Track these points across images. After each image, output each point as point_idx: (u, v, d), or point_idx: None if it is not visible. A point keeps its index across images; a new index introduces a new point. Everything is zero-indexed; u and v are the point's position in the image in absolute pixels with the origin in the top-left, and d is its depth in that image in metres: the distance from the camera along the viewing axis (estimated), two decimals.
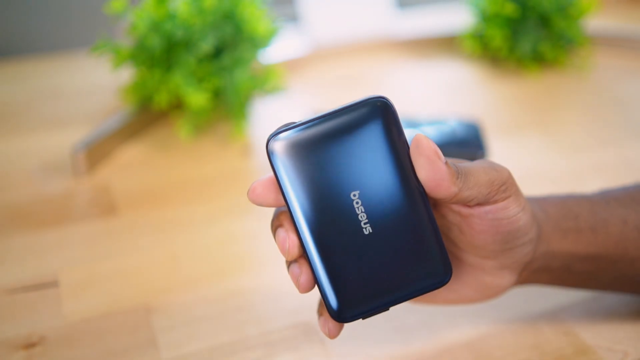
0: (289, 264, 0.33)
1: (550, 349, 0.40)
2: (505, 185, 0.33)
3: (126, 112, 0.65)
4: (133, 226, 0.53)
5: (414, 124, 0.61)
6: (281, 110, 0.72)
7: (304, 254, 0.32)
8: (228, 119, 0.67)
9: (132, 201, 0.56)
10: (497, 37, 0.80)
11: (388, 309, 0.33)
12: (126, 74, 0.71)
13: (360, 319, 0.33)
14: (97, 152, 0.60)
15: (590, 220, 0.38)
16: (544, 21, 0.81)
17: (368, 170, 0.31)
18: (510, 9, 0.78)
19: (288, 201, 0.31)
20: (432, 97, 0.77)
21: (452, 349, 0.40)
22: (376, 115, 0.31)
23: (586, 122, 0.70)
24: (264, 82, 0.65)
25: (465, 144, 0.59)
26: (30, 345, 0.41)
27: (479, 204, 0.33)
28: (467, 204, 0.33)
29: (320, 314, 0.34)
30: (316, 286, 0.33)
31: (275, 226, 0.33)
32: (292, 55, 0.82)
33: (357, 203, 0.31)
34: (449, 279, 0.33)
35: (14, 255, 0.49)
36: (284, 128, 0.31)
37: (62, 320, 0.43)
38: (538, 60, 0.84)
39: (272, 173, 0.32)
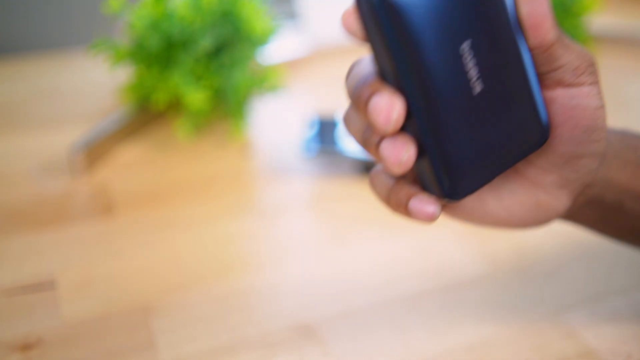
0: (380, 139, 0.29)
1: (552, 350, 0.40)
2: (593, 67, 0.31)
3: (124, 111, 0.65)
4: (131, 226, 0.52)
5: None
6: (280, 110, 0.72)
7: (404, 124, 0.29)
8: (227, 118, 0.67)
9: (131, 201, 0.55)
10: None
11: (494, 178, 0.31)
12: (124, 73, 0.71)
13: (470, 195, 0.30)
14: (95, 151, 0.60)
15: None
16: None
17: (481, 20, 0.28)
18: None
19: (396, 59, 0.27)
20: None
21: (453, 350, 0.40)
22: None
23: None
24: (263, 81, 0.65)
25: None
26: (27, 347, 0.41)
27: (565, 85, 0.31)
28: (556, 68, 0.31)
29: (410, 194, 0.31)
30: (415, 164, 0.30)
31: (369, 95, 0.28)
32: (292, 54, 0.82)
33: (468, 56, 0.28)
34: (547, 139, 0.32)
35: (11, 255, 0.49)
36: None
37: (60, 321, 0.42)
38: None
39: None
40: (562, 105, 0.32)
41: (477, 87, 0.29)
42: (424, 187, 0.30)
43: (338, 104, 0.72)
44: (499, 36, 0.29)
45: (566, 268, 0.47)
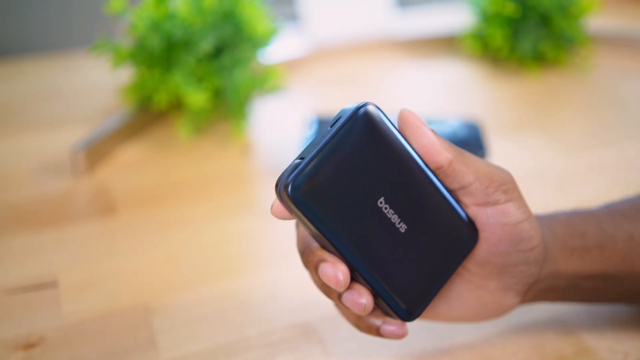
0: (341, 295, 0.33)
1: (551, 349, 0.40)
2: (506, 186, 0.33)
3: (126, 112, 0.65)
4: (132, 226, 0.52)
5: None
6: (281, 110, 0.72)
7: (354, 277, 0.33)
8: (228, 118, 0.67)
9: (132, 201, 0.56)
10: (498, 37, 0.80)
11: (440, 288, 0.35)
12: (126, 74, 0.71)
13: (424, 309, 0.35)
14: (96, 152, 0.60)
15: (596, 238, 0.37)
16: (545, 21, 0.81)
17: (382, 174, 0.32)
18: (510, 8, 0.78)
19: (326, 235, 0.31)
20: (433, 97, 0.76)
21: (453, 350, 0.40)
22: (366, 122, 0.31)
23: (587, 121, 0.70)
24: (263, 81, 0.65)
25: (466, 144, 0.59)
26: (29, 346, 0.41)
27: (480, 204, 0.33)
28: (462, 188, 0.33)
29: (383, 322, 0.35)
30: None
31: (316, 263, 0.32)
32: (292, 55, 0.82)
33: (386, 208, 0.32)
34: (477, 239, 0.34)
35: (13, 255, 0.49)
36: (290, 171, 0.31)
37: (61, 321, 0.43)
38: (539, 60, 0.84)
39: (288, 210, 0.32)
40: (482, 222, 0.34)
41: (403, 227, 0.33)
42: (386, 314, 0.35)
43: (338, 104, 0.72)
44: (408, 177, 0.32)
45: None
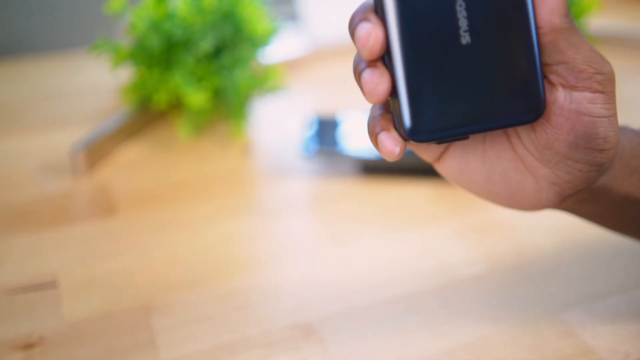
0: (364, 68, 0.29)
1: (550, 349, 0.40)
2: (601, 77, 0.30)
3: (125, 112, 0.65)
4: (132, 226, 0.52)
5: None
6: (281, 110, 0.72)
7: (383, 57, 0.29)
8: (228, 118, 0.67)
9: (132, 201, 0.56)
10: None
11: (467, 137, 0.30)
12: (125, 74, 0.71)
13: (434, 143, 0.30)
14: (96, 152, 0.60)
15: None
16: None
17: None
18: None
19: None
20: None
21: (452, 350, 0.40)
22: None
23: None
24: (263, 81, 0.65)
25: None
26: (29, 346, 0.41)
27: (566, 86, 0.30)
28: (556, 62, 0.30)
29: (384, 128, 0.31)
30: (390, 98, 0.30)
31: (358, 20, 0.29)
32: (292, 54, 0.82)
33: (460, 6, 0.28)
34: (540, 116, 0.30)
35: (13, 255, 0.49)
36: None
37: (62, 321, 0.43)
38: None
39: None
40: (560, 105, 0.30)
41: (466, 38, 0.28)
42: (395, 125, 0.31)
43: (338, 104, 0.72)
44: (508, 4, 0.28)
45: (565, 267, 0.47)
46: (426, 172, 0.58)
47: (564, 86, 0.30)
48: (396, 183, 0.58)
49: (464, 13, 0.28)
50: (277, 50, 0.77)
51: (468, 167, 0.35)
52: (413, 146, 0.34)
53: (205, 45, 0.61)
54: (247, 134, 0.66)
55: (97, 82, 0.77)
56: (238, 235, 0.51)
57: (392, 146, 0.31)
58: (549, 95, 0.31)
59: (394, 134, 0.31)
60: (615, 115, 0.31)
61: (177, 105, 0.68)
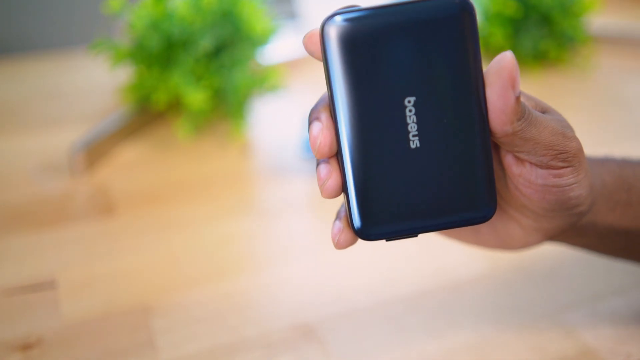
0: (318, 162, 0.30)
1: (552, 350, 0.40)
2: (566, 155, 0.30)
3: (125, 111, 0.65)
4: (131, 226, 0.52)
5: None
6: (280, 110, 0.72)
7: (337, 155, 0.29)
8: (227, 118, 0.67)
9: (131, 201, 0.55)
10: (499, 36, 0.80)
11: (416, 235, 0.30)
12: (124, 73, 0.71)
13: (384, 240, 0.30)
14: (95, 151, 0.60)
15: None
16: (546, 20, 0.81)
17: (431, 75, 0.27)
18: (512, 7, 0.78)
19: (333, 92, 0.28)
20: None
21: (453, 350, 0.40)
22: (453, 14, 0.27)
23: (588, 121, 0.70)
24: (263, 81, 0.65)
25: None
26: (27, 347, 0.41)
27: (533, 163, 0.30)
28: (515, 152, 0.30)
29: (339, 217, 0.31)
30: (342, 194, 0.30)
31: (312, 118, 0.30)
32: (291, 54, 0.82)
33: (410, 111, 0.28)
34: (491, 216, 0.30)
35: (12, 255, 0.49)
36: (345, 10, 0.27)
37: (60, 321, 0.43)
38: (540, 59, 0.83)
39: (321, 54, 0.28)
40: (528, 179, 0.31)
41: (415, 142, 0.28)
42: (347, 217, 0.31)
43: None
44: (454, 101, 0.28)
45: (566, 268, 0.47)
46: None
47: (529, 163, 0.31)
48: None
49: (414, 118, 0.28)
50: (276, 49, 0.77)
51: None
52: None
53: (205, 44, 0.61)
54: (246, 134, 0.66)
55: (96, 82, 0.77)
56: (237, 235, 0.51)
57: (334, 235, 0.31)
58: (515, 169, 0.31)
59: (343, 224, 0.31)
60: (585, 175, 0.31)
61: (176, 105, 0.68)
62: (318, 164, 0.30)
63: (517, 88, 0.28)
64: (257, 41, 0.65)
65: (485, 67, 0.29)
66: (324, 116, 0.29)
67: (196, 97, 0.61)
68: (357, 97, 0.28)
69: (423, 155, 0.28)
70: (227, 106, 0.64)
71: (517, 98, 0.28)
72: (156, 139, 0.66)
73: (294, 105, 0.73)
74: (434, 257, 0.48)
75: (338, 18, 0.27)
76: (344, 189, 0.29)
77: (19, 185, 0.58)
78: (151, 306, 0.44)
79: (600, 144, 0.65)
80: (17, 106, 0.73)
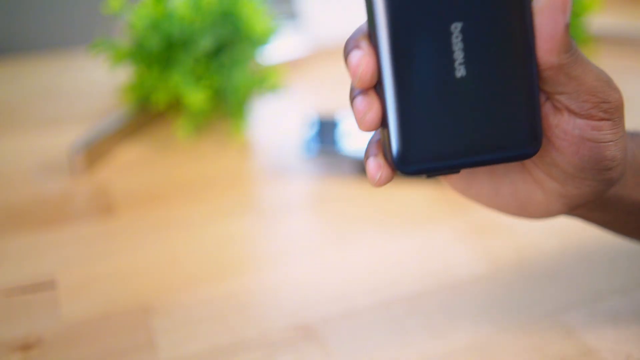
0: (355, 95, 0.29)
1: (552, 350, 0.40)
2: (609, 105, 0.29)
3: (124, 111, 0.65)
4: (131, 226, 0.52)
5: None
6: (280, 110, 0.72)
7: (376, 86, 0.28)
8: (227, 118, 0.67)
9: (131, 201, 0.55)
10: None
11: (459, 172, 0.29)
12: (124, 73, 0.71)
13: (425, 176, 0.29)
14: (95, 151, 0.60)
15: None
16: None
17: (479, 0, 0.27)
18: None
19: (375, 18, 0.27)
20: None
21: (453, 350, 0.40)
22: None
23: None
24: (263, 81, 0.65)
25: None
26: (27, 347, 0.41)
27: (571, 112, 0.29)
28: (557, 94, 0.29)
29: (373, 154, 0.30)
30: (380, 128, 0.29)
31: (351, 47, 0.29)
32: (292, 53, 0.82)
33: (456, 37, 0.27)
34: (536, 153, 0.29)
35: (11, 256, 0.49)
36: None
37: (60, 322, 0.43)
38: None
39: None
40: (564, 131, 0.30)
41: (461, 71, 0.28)
42: (384, 154, 0.30)
43: (338, 104, 0.72)
44: (503, 29, 0.27)
45: (566, 268, 0.47)
46: None
47: (569, 111, 0.30)
48: (395, 183, 0.58)
49: (460, 45, 0.27)
50: (276, 49, 0.77)
51: (475, 180, 0.35)
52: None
53: (205, 44, 0.61)
54: (246, 134, 0.66)
55: (95, 82, 0.77)
56: (238, 235, 0.51)
57: (374, 172, 0.30)
58: (552, 119, 0.30)
59: (380, 160, 0.30)
60: (623, 136, 0.30)
61: (176, 105, 0.68)
62: (355, 97, 0.29)
63: (568, 13, 0.27)
64: (257, 41, 0.65)
65: None
66: (364, 44, 0.28)
67: (196, 97, 0.61)
68: (401, 23, 0.27)
69: (468, 85, 0.28)
70: (227, 106, 0.64)
71: (567, 26, 0.27)
72: (156, 138, 0.66)
73: (294, 106, 0.73)
74: (434, 258, 0.48)
75: None
76: (382, 122, 0.29)
77: (19, 185, 0.58)
78: (151, 306, 0.44)
79: None
80: (16, 106, 0.73)
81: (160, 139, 0.66)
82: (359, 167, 0.59)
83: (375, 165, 0.30)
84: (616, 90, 0.29)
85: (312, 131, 0.60)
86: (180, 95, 0.63)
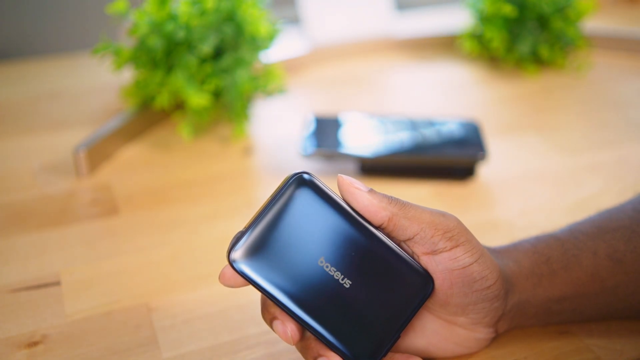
0: (300, 348, 0.35)
1: (547, 347, 0.40)
2: (450, 233, 0.34)
3: (128, 112, 0.66)
4: (134, 226, 0.53)
5: (413, 125, 0.62)
6: (281, 111, 0.72)
7: (309, 332, 0.35)
8: (229, 120, 0.68)
9: (134, 201, 0.56)
10: (496, 38, 0.81)
11: (400, 337, 0.35)
12: (127, 75, 0.72)
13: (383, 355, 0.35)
14: (98, 152, 0.60)
15: (561, 260, 0.38)
16: (542, 22, 0.81)
17: (322, 234, 0.34)
18: (508, 9, 0.79)
19: (272, 296, 0.34)
20: (432, 98, 0.77)
21: None
22: (302, 187, 0.34)
23: (584, 122, 0.71)
24: (264, 83, 0.66)
25: (465, 145, 0.59)
26: (32, 344, 0.41)
27: (428, 253, 0.34)
28: (409, 239, 0.34)
29: (322, 354, 0.35)
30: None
31: (270, 319, 0.35)
32: (293, 56, 0.82)
33: (327, 267, 0.34)
34: (433, 285, 0.35)
35: (17, 255, 0.49)
36: (236, 240, 0.34)
37: (64, 319, 0.43)
38: (536, 61, 0.84)
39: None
40: (433, 270, 0.35)
41: (347, 282, 0.34)
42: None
43: (337, 105, 0.73)
44: (347, 236, 0.34)
45: None
46: (424, 171, 0.59)
47: (426, 254, 0.34)
48: (394, 182, 0.58)
49: (333, 269, 0.34)
50: (278, 52, 0.78)
51: (409, 342, 0.38)
52: None
53: (207, 46, 0.61)
54: (248, 135, 0.67)
55: (99, 84, 0.78)
56: None
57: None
58: (422, 264, 0.35)
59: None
60: (481, 255, 0.35)
61: (178, 107, 0.69)
62: (302, 351, 0.35)
63: (361, 185, 0.34)
64: (259, 44, 0.65)
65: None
66: (277, 312, 0.34)
67: (198, 98, 0.61)
68: (289, 285, 0.34)
69: (358, 285, 0.34)
70: (229, 107, 0.65)
71: (370, 190, 0.34)
72: (159, 139, 0.66)
73: (295, 107, 0.74)
74: None
75: (236, 246, 0.34)
76: (326, 344, 0.35)
77: (24, 186, 0.58)
78: (154, 304, 0.44)
79: (596, 145, 0.66)
80: (22, 108, 0.73)
81: (163, 140, 0.66)
82: (357, 166, 0.59)
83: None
84: (452, 218, 0.35)
85: (310, 130, 0.60)
86: (183, 96, 0.63)
